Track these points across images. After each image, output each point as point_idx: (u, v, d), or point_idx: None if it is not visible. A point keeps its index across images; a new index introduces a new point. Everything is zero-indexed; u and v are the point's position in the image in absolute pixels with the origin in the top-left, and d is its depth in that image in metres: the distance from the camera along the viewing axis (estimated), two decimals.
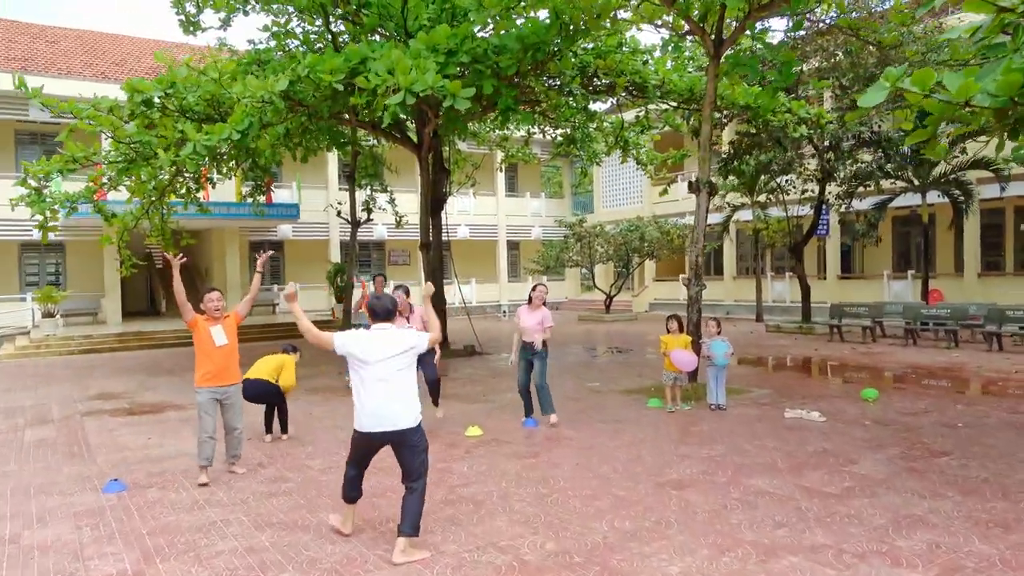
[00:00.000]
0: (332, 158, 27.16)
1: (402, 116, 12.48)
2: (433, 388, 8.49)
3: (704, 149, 10.13)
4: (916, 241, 24.16)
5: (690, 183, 10.30)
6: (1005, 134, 5.20)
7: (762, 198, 21.94)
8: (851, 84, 17.60)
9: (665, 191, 20.67)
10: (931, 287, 19.60)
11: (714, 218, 25.23)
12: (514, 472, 6.29)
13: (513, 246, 34.33)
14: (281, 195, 27.17)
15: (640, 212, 29.17)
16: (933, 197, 19.11)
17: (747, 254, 28.65)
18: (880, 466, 6.17)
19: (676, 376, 8.83)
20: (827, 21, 15.24)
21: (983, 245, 21.29)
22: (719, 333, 8.86)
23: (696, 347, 9.32)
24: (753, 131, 17.46)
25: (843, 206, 20.06)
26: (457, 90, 7.47)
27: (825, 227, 21.85)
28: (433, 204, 15.96)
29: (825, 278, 24.25)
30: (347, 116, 12.59)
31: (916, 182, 19.02)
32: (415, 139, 15.69)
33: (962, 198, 18.76)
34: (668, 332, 8.88)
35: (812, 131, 15.90)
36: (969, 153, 17.97)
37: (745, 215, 23.80)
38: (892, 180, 19.21)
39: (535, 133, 19.83)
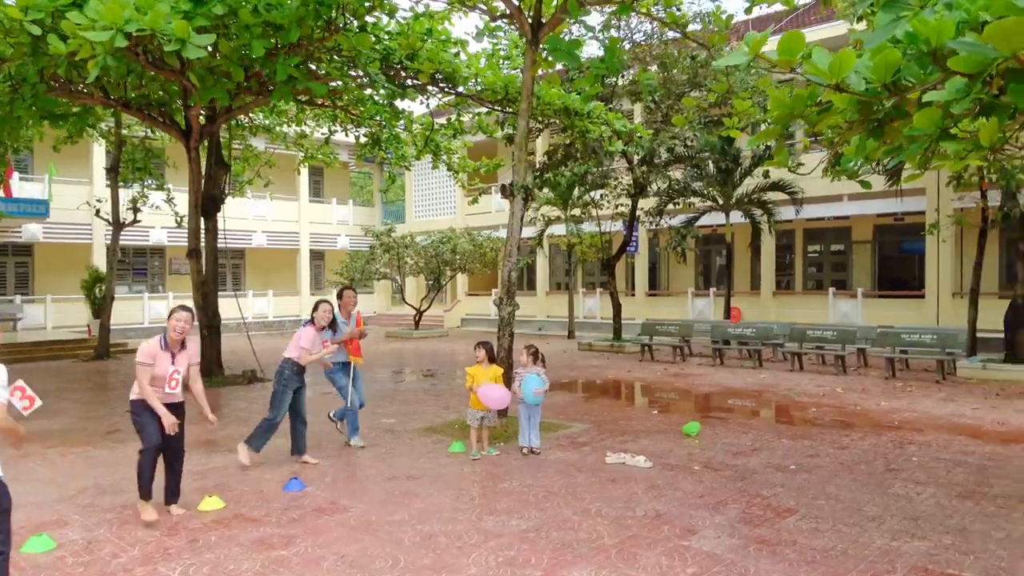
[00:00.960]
0: (98, 149, 23.15)
1: (120, 75, 9.79)
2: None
3: (519, 148, 8.81)
4: (718, 260, 24.99)
5: (504, 187, 8.94)
6: (866, 136, 4.19)
7: (576, 212, 21.43)
8: (662, 100, 17.43)
9: (475, 200, 19.48)
10: (732, 305, 19.99)
11: (528, 232, 24.53)
12: None
13: (317, 255, 31.71)
14: (30, 189, 22.76)
15: (453, 223, 27.89)
16: (735, 217, 19.50)
17: (559, 269, 28.33)
18: (724, 538, 5.01)
19: (484, 415, 7.34)
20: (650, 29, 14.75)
21: (777, 265, 22.23)
22: (537, 362, 7.50)
23: (508, 380, 7.91)
24: (568, 142, 16.71)
25: (654, 223, 19.98)
26: (186, 33, 5.46)
27: (635, 244, 21.75)
28: (206, 204, 13.42)
29: (634, 294, 24.28)
30: (73, 83, 9.87)
31: (721, 201, 19.32)
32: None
33: (762, 217, 19.30)
34: (476, 362, 7.39)
35: (628, 146, 15.38)
36: (772, 176, 18.44)
37: (559, 229, 23.24)
38: (701, 198, 19.37)
39: (336, 131, 17.76)
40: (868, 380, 12.86)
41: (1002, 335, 14.36)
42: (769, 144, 19.40)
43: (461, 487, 6.31)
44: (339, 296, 7.96)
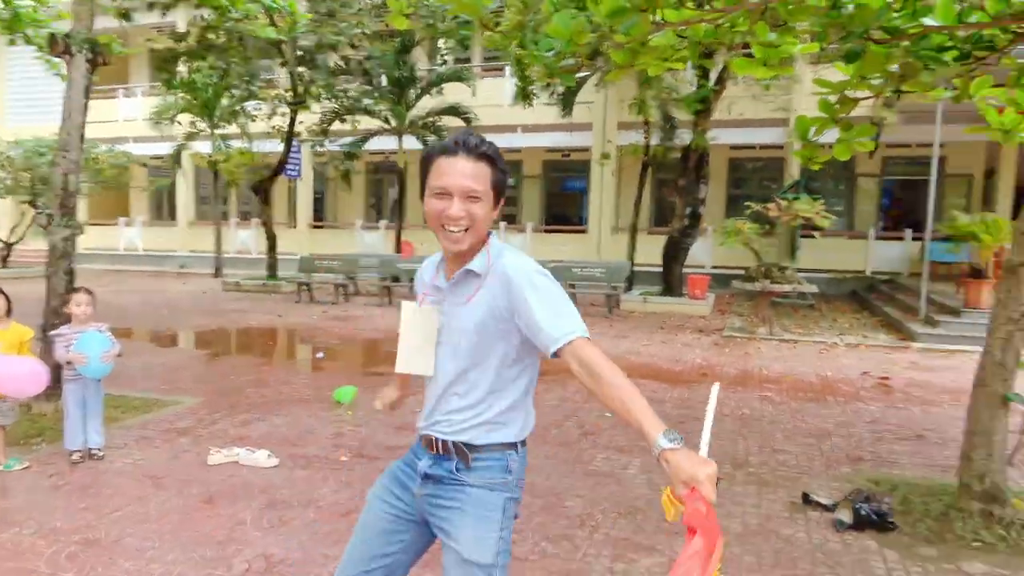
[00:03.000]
0: None
1: None
2: None
3: None
4: (390, 191, 23.18)
5: (54, 39, 5.72)
6: None
7: (228, 128, 17.83)
8: None
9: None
10: (404, 239, 18.38)
11: (164, 148, 20.15)
12: None
13: None
14: None
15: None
16: (409, 143, 17.69)
17: (209, 196, 24.21)
18: None
19: None
20: None
21: None
22: (92, 314, 4.73)
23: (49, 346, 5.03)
24: (210, 24, 13.13)
25: (317, 144, 17.31)
26: None
27: (297, 167, 18.85)
28: None
29: (296, 226, 21.44)
30: None
31: (394, 123, 17.33)
32: None
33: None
34: None
35: (282, 34, 12.50)
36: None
37: (204, 147, 19.30)
38: (371, 116, 17.15)
39: None
40: None
41: (654, 269, 14.79)
42: (447, 60, 17.72)
43: None
44: None
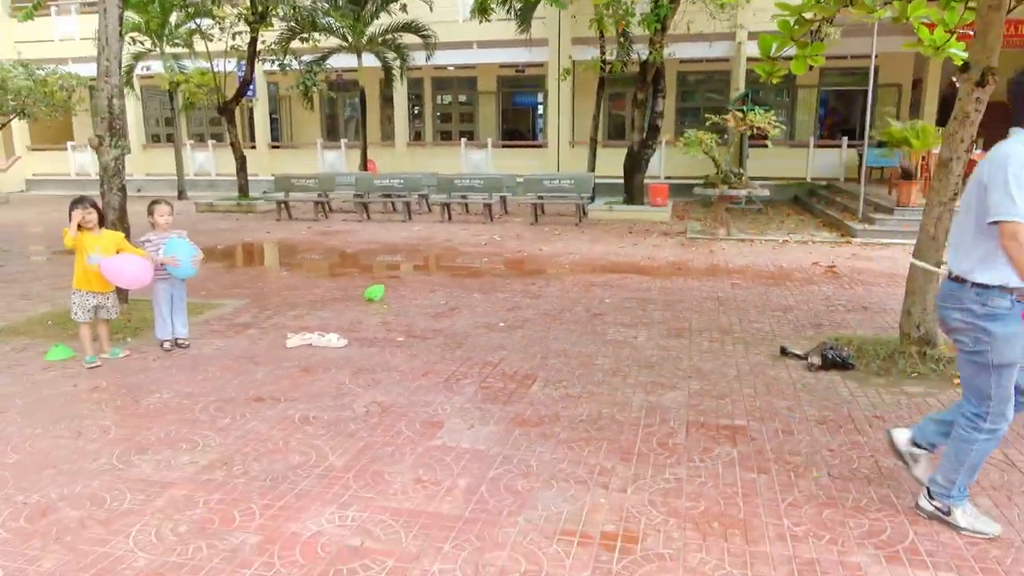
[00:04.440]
0: None
1: None
2: None
3: None
4: (347, 109, 23.21)
5: None
6: None
7: (178, 44, 17.56)
8: None
9: (29, 15, 14.50)
10: (369, 157, 18.72)
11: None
12: None
13: None
14: None
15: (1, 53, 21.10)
16: (367, 60, 17.81)
17: (156, 117, 23.77)
18: (479, 426, 3.96)
19: (100, 301, 5.08)
20: None
21: (410, 115, 21.38)
22: (172, 223, 5.39)
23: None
24: None
25: (277, 62, 17.27)
26: None
27: (253, 87, 18.78)
28: None
29: (255, 147, 21.43)
30: None
31: (351, 40, 17.40)
32: None
33: (395, 61, 17.99)
34: (79, 227, 4.98)
35: None
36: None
37: (155, 65, 18.97)
38: (329, 33, 17.16)
39: None
40: (517, 227, 12.93)
41: (614, 180, 15.71)
42: None
43: (81, 413, 4.20)
44: None
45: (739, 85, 17.25)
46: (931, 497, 3.01)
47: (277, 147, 22.28)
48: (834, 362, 4.99)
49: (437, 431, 3.90)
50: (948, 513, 2.95)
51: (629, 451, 3.66)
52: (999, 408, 2.82)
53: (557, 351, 5.38)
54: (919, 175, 11.87)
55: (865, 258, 9.49)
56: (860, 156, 14.58)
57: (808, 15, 5.78)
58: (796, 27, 5.95)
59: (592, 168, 16.13)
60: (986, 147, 5.42)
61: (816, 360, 5.02)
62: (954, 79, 5.32)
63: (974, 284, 2.75)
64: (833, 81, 19.50)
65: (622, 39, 15.21)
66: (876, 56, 12.17)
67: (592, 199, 15.28)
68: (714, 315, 6.48)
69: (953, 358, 5.01)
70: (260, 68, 18.59)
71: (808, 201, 15.70)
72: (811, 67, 6.30)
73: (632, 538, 2.87)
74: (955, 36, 4.60)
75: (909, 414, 4.16)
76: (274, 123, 22.92)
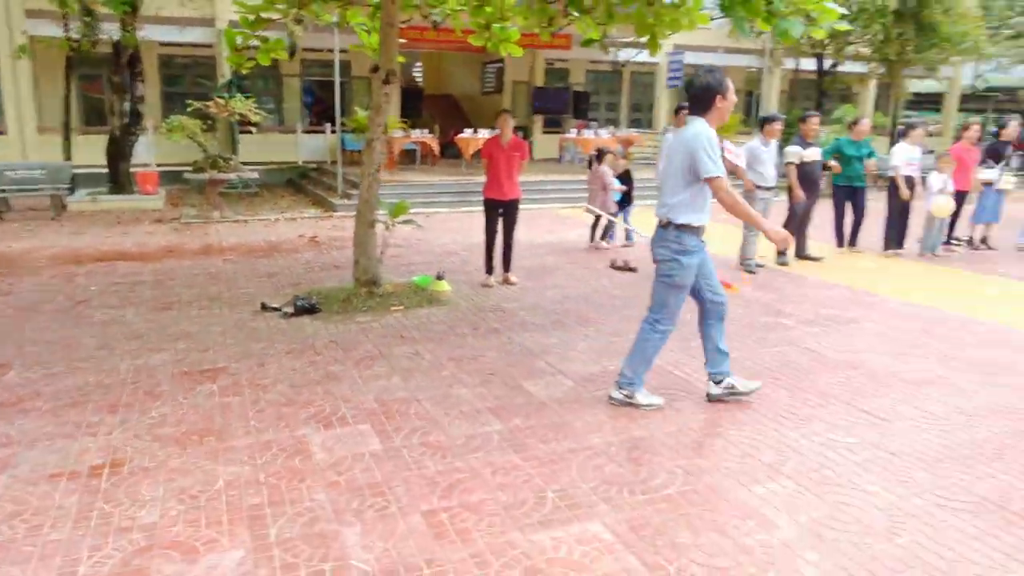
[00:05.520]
0: None
1: None
2: None
3: None
4: None
5: None
6: None
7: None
8: None
9: None
10: None
11: None
12: None
13: None
14: None
15: None
16: None
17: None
18: None
19: None
20: None
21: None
22: None
23: None
24: None
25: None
26: None
27: None
28: None
29: None
30: None
31: None
32: None
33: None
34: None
35: None
36: None
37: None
38: None
39: None
40: None
41: (97, 169, 14.70)
42: None
43: None
44: None
45: (225, 72, 17.57)
46: (620, 387, 4.12)
47: None
48: (304, 308, 6.06)
49: None
50: (632, 397, 4.09)
51: (116, 405, 4.09)
52: (671, 315, 4.03)
53: (36, 340, 5.33)
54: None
55: (341, 228, 11.02)
56: (343, 141, 16.40)
57: (266, 15, 6.72)
58: (255, 23, 6.82)
59: (68, 156, 14.80)
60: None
61: (289, 309, 6.03)
62: (370, 77, 6.78)
63: (674, 225, 3.89)
64: (316, 72, 21.15)
65: (87, 17, 14.19)
66: (343, 51, 13.84)
67: (72, 190, 14.09)
68: (204, 287, 7.03)
69: (392, 292, 6.56)
70: None
71: (300, 182, 17.05)
72: (292, 57, 7.33)
73: (119, 464, 3.38)
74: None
75: (357, 336, 5.43)
76: None
